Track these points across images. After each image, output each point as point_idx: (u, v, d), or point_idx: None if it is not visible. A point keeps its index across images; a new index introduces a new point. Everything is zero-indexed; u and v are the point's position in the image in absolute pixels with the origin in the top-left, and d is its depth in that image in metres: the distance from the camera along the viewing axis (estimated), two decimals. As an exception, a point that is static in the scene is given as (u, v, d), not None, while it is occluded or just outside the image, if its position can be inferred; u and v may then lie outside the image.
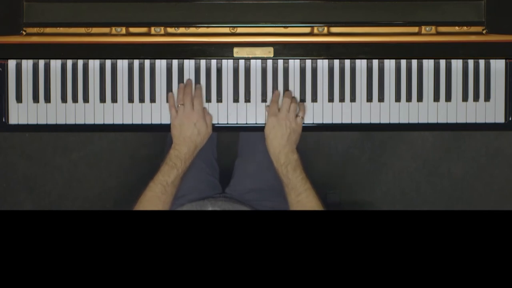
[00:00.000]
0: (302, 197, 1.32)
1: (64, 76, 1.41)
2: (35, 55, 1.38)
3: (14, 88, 1.41)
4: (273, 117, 1.36)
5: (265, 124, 1.38)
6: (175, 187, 1.35)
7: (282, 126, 1.35)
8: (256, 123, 1.42)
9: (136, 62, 1.41)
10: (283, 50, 1.39)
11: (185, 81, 1.40)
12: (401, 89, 1.41)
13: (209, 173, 1.60)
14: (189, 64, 1.41)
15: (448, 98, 1.41)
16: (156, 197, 1.33)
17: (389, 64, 1.41)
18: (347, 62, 1.41)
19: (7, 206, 2.19)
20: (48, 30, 1.37)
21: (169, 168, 1.34)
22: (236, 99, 1.42)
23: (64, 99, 1.41)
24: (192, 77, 1.41)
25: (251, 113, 1.42)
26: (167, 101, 1.40)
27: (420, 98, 1.41)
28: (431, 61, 1.41)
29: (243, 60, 1.41)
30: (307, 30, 1.38)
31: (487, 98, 1.41)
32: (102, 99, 1.41)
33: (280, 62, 1.41)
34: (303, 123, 1.41)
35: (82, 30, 1.37)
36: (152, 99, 1.41)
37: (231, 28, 1.38)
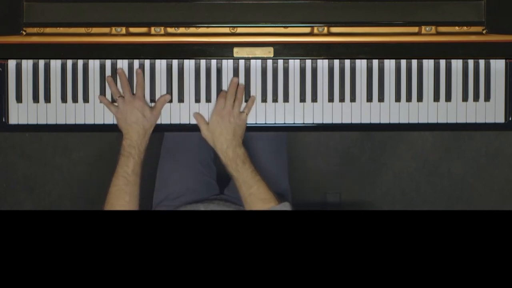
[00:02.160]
0: (254, 190, 1.33)
1: (64, 76, 1.41)
2: (35, 55, 1.38)
3: (14, 88, 1.41)
4: (216, 114, 1.37)
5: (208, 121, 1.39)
6: (137, 176, 1.36)
7: (226, 121, 1.36)
8: (256, 123, 1.41)
9: (136, 62, 1.41)
10: (283, 50, 1.39)
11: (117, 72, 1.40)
12: (401, 89, 1.41)
13: (206, 174, 1.60)
14: (189, 64, 1.41)
15: (448, 98, 1.41)
16: (120, 190, 1.34)
17: (389, 64, 1.41)
18: (347, 62, 1.41)
19: (7, 206, 2.19)
20: (48, 30, 1.37)
21: (125, 159, 1.36)
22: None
23: (64, 99, 1.41)
24: (192, 77, 1.41)
25: (251, 113, 1.42)
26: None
27: (420, 98, 1.41)
28: (431, 61, 1.41)
29: (243, 60, 1.41)
30: (307, 30, 1.38)
31: (487, 98, 1.41)
32: (102, 99, 1.41)
33: (280, 62, 1.41)
34: (304, 123, 1.41)
35: (82, 30, 1.37)
36: (152, 99, 1.41)
37: (231, 28, 1.38)
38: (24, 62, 1.41)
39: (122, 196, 1.34)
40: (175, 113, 1.41)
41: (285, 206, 1.32)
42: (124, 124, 1.37)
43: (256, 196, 1.33)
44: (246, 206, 1.35)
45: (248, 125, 1.41)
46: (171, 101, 1.41)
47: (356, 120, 1.42)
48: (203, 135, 1.39)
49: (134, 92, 1.39)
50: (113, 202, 1.34)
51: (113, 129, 1.43)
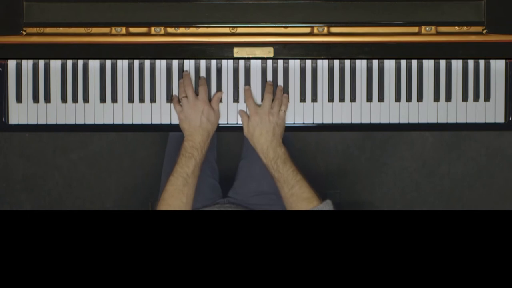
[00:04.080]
0: (296, 189, 1.32)
1: (64, 76, 1.41)
2: (35, 55, 1.38)
3: (14, 88, 1.41)
4: (255, 115, 1.36)
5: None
6: (195, 177, 1.35)
7: (266, 121, 1.36)
8: (256, 123, 1.41)
9: (136, 62, 1.41)
10: (283, 50, 1.39)
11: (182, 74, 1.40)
12: (401, 89, 1.41)
13: (209, 175, 1.60)
14: (189, 64, 1.41)
15: (448, 98, 1.41)
16: (178, 190, 1.32)
17: (389, 64, 1.41)
18: (347, 62, 1.41)
19: (7, 206, 2.19)
20: (48, 30, 1.37)
21: (186, 160, 1.34)
22: (236, 99, 1.42)
23: (64, 99, 1.41)
24: (192, 77, 1.41)
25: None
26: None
27: (420, 98, 1.41)
28: (431, 61, 1.41)
29: (243, 60, 1.41)
30: (307, 30, 1.38)
31: (487, 98, 1.41)
32: (102, 99, 1.41)
33: (280, 62, 1.41)
34: (304, 123, 1.41)
35: (82, 30, 1.37)
36: (152, 99, 1.41)
37: (231, 28, 1.38)
38: (24, 62, 1.41)
39: (180, 196, 1.32)
40: (175, 113, 1.41)
41: (328, 205, 1.30)
42: (187, 126, 1.36)
43: (298, 196, 1.32)
44: (287, 206, 1.34)
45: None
46: (171, 100, 1.41)
47: (356, 120, 1.42)
48: (245, 134, 1.39)
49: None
50: (170, 202, 1.32)
51: (112, 130, 1.43)
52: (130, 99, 1.41)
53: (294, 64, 1.41)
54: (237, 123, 1.42)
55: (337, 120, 1.42)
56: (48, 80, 1.41)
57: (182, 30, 1.38)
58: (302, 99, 1.41)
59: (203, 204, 1.52)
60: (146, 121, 1.42)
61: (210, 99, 1.39)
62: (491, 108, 1.41)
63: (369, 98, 1.41)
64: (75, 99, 1.41)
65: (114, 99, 1.41)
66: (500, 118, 1.42)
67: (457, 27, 1.38)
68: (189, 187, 1.33)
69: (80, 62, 1.41)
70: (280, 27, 1.37)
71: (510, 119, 1.41)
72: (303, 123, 1.42)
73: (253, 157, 1.61)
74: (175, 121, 1.41)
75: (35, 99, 1.40)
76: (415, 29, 1.38)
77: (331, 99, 1.41)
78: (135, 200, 2.17)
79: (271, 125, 1.35)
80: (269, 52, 1.39)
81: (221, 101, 1.41)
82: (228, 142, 2.09)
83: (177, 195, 1.32)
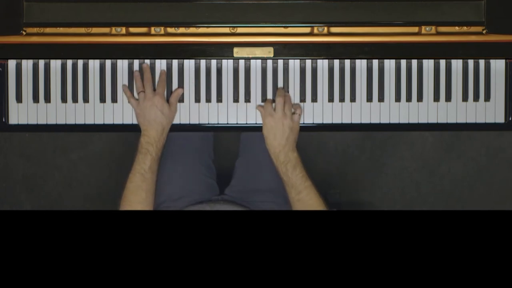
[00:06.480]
0: (303, 195, 1.32)
1: (64, 76, 1.41)
2: (35, 55, 1.38)
3: (14, 88, 1.41)
4: (269, 117, 1.36)
5: (262, 125, 1.38)
6: (153, 173, 1.36)
7: (280, 125, 1.35)
8: (256, 123, 1.42)
9: (136, 62, 1.41)
10: (283, 50, 1.39)
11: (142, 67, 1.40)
12: (401, 89, 1.41)
13: (206, 174, 1.59)
14: (189, 64, 1.41)
15: (448, 98, 1.41)
16: (137, 186, 1.35)
17: (389, 64, 1.41)
18: (347, 62, 1.41)
19: (7, 206, 2.19)
20: (48, 30, 1.37)
21: (142, 156, 1.35)
22: (236, 99, 1.42)
23: (64, 99, 1.41)
24: (192, 77, 1.41)
25: (251, 113, 1.42)
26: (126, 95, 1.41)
27: (420, 98, 1.41)
28: (431, 61, 1.41)
29: (243, 60, 1.41)
30: (307, 30, 1.38)
31: (487, 98, 1.41)
32: (102, 99, 1.41)
33: (280, 62, 1.41)
34: (304, 123, 1.41)
35: (82, 30, 1.37)
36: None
37: (231, 28, 1.38)
38: (24, 62, 1.41)
39: (139, 193, 1.35)
40: (176, 113, 1.41)
41: None
42: (142, 120, 1.37)
43: (305, 202, 1.32)
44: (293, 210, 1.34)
45: (250, 125, 1.41)
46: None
47: (356, 120, 1.42)
48: (263, 133, 1.38)
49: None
50: (130, 198, 1.35)
51: (112, 130, 1.43)
52: (130, 99, 1.41)
53: (294, 64, 1.41)
54: (236, 123, 1.42)
55: (337, 120, 1.42)
56: (48, 80, 1.41)
57: (182, 30, 1.38)
58: (302, 99, 1.41)
59: (197, 201, 1.52)
60: (146, 121, 1.41)
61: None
62: (491, 108, 1.41)
63: (369, 98, 1.41)
64: (75, 99, 1.41)
65: (114, 99, 1.41)
66: (500, 118, 1.42)
67: (457, 27, 1.38)
68: (147, 182, 1.35)
69: (80, 62, 1.41)
70: (280, 27, 1.37)
71: (510, 119, 1.41)
72: (303, 123, 1.42)
73: (249, 155, 1.61)
74: (175, 121, 1.41)
75: (35, 99, 1.40)
76: (415, 29, 1.38)
77: (331, 99, 1.41)
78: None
79: (286, 130, 1.35)
80: (269, 52, 1.39)
81: (182, 101, 1.41)
82: (225, 141, 2.09)
83: (136, 192, 1.35)
